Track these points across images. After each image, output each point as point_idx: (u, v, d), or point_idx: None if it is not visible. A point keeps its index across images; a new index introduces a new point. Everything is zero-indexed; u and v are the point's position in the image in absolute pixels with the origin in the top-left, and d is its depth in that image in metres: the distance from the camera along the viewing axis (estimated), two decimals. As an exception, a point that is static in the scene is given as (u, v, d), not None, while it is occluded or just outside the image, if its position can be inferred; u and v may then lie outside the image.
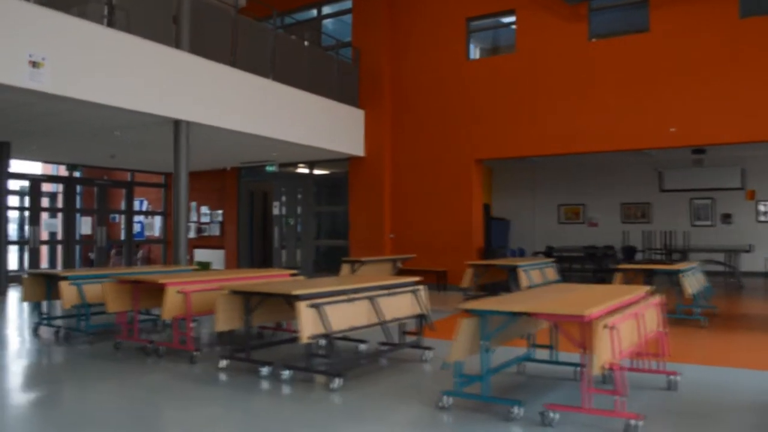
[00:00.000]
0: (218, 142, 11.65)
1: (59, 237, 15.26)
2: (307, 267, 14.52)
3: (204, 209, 16.78)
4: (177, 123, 9.60)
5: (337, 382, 4.99)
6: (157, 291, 6.67)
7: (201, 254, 16.58)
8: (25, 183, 14.82)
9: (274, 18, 11.94)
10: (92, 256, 17.37)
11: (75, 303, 7.01)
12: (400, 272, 12.21)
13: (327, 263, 14.44)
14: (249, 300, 5.59)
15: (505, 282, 11.63)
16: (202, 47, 9.89)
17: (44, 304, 8.13)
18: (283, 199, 15.23)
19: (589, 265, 16.04)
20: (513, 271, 10.87)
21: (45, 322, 7.78)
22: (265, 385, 5.27)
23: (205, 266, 8.72)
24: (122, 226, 17.65)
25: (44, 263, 15.71)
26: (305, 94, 12.11)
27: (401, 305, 6.00)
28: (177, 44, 9.54)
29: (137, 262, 16.99)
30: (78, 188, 15.90)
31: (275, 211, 15.18)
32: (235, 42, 10.63)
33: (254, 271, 7.58)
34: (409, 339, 6.39)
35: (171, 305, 6.01)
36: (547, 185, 18.15)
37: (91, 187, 16.42)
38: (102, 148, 12.77)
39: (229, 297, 5.55)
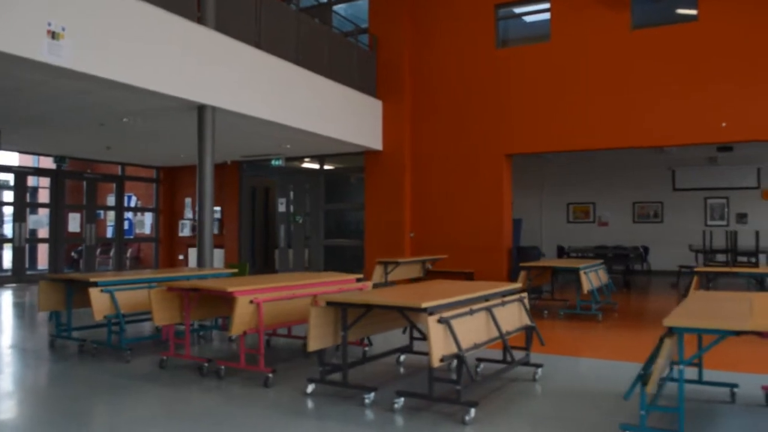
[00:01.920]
0: (231, 132, 10.60)
1: (45, 235, 13.97)
2: (317, 268, 13.56)
3: (200, 206, 15.63)
4: (201, 108, 8.57)
5: (470, 414, 4.13)
6: (210, 300, 5.73)
7: (197, 253, 15.40)
8: (7, 176, 13.52)
9: (299, -3, 10.97)
10: (75, 255, 16.07)
11: (107, 313, 5.97)
12: (429, 274, 11.38)
13: (337, 264, 13.54)
14: (346, 313, 4.67)
15: (538, 286, 10.94)
16: (225, 24, 8.88)
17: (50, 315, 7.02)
18: (291, 195, 14.23)
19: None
20: (558, 273, 10.19)
21: (64, 334, 6.69)
22: (370, 415, 4.38)
23: (242, 269, 7.71)
24: (107, 223, 16.39)
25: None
26: (327, 82, 11.17)
27: (511, 316, 5.18)
28: (201, 20, 8.51)
29: (126, 262, 15.73)
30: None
31: (281, 209, 14.17)
32: (259, 20, 9.63)
33: (315, 276, 6.61)
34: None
35: (242, 318, 5.06)
36: (555, 182, 17.56)
37: (79, 182, 15.09)
38: (100, 139, 11.59)
39: (324, 310, 4.63)
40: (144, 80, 7.52)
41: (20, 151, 13.57)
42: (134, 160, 15.07)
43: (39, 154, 13.97)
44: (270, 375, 5.09)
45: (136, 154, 13.98)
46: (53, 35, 6.54)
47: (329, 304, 4.64)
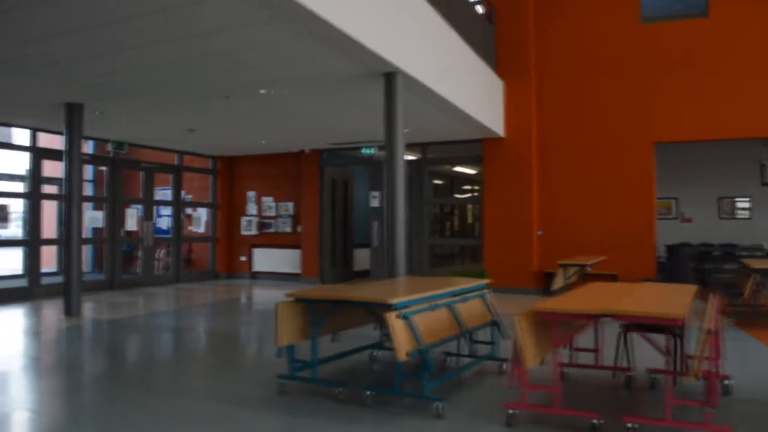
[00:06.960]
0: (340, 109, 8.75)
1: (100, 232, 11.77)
2: (421, 270, 11.84)
3: (267, 201, 13.62)
4: (390, 76, 6.78)
5: None
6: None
7: (264, 254, 13.46)
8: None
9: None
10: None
11: (411, 349, 4.20)
12: (586, 277, 9.89)
13: (445, 265, 11.89)
14: None
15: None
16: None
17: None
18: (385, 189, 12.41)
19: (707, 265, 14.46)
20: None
21: (302, 374, 4.83)
22: None
23: (483, 279, 5.95)
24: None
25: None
26: (468, 50, 9.42)
27: None
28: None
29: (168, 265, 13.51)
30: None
31: (375, 203, 12.36)
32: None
33: (598, 286, 4.93)
34: None
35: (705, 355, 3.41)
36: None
37: (134, 172, 12.84)
38: (193, 119, 9.58)
39: None
40: (359, 32, 5.72)
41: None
42: (194, 149, 12.96)
43: (96, 139, 11.60)
44: (734, 441, 3.45)
45: (200, 142, 11.90)
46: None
47: None
